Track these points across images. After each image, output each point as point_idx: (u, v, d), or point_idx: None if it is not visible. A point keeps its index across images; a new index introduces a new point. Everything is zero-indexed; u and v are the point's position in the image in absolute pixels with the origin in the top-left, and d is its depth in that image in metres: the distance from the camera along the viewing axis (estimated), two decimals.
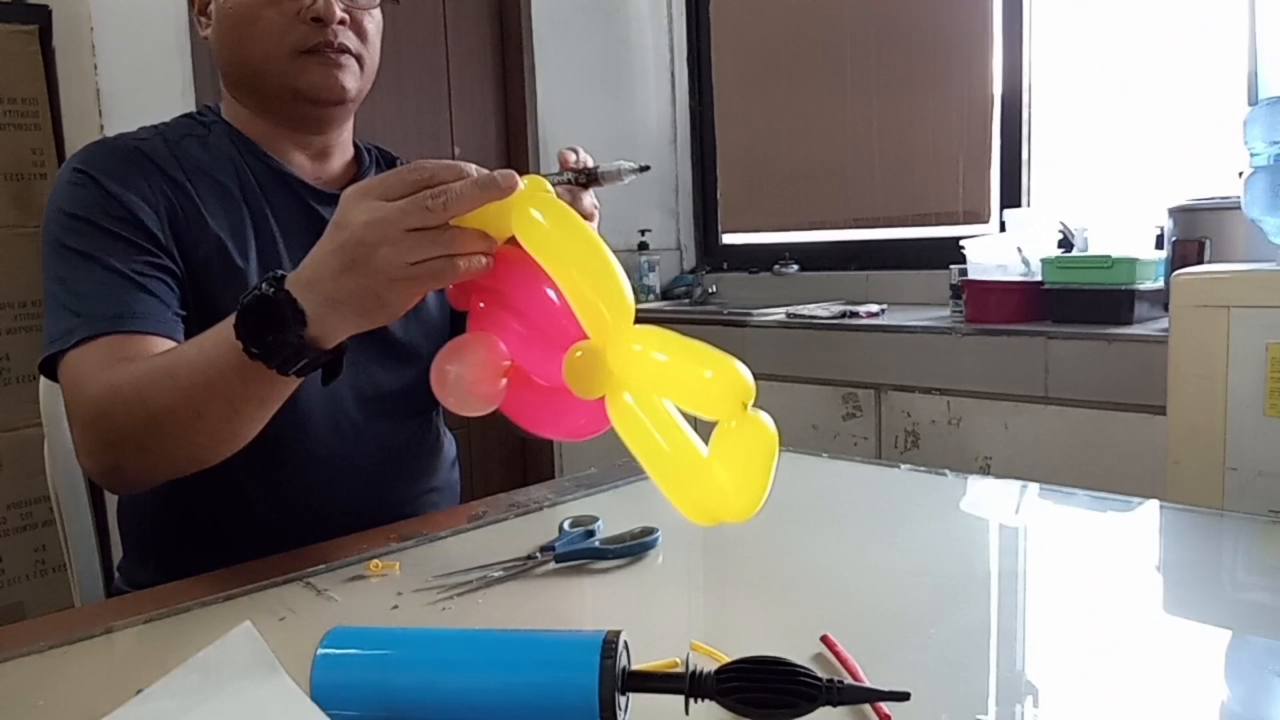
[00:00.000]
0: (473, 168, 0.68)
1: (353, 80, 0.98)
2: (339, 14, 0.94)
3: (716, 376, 0.63)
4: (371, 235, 0.66)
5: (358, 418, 1.00)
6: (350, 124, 1.06)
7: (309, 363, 0.71)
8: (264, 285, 0.70)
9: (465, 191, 0.66)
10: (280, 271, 0.72)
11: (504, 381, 0.74)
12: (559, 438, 0.85)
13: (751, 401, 0.63)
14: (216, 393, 0.75)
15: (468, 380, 0.72)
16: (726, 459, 0.64)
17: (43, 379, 1.05)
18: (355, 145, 1.10)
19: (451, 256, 0.67)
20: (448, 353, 0.73)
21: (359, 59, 0.98)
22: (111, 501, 1.09)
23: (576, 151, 0.84)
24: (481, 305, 0.76)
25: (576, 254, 0.67)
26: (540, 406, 0.76)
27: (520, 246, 0.69)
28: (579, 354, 0.67)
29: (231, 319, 0.71)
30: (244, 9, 0.94)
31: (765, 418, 0.64)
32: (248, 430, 0.79)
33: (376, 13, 1.01)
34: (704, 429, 0.65)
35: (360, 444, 1.00)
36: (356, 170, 1.08)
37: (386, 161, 1.13)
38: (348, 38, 0.96)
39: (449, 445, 1.14)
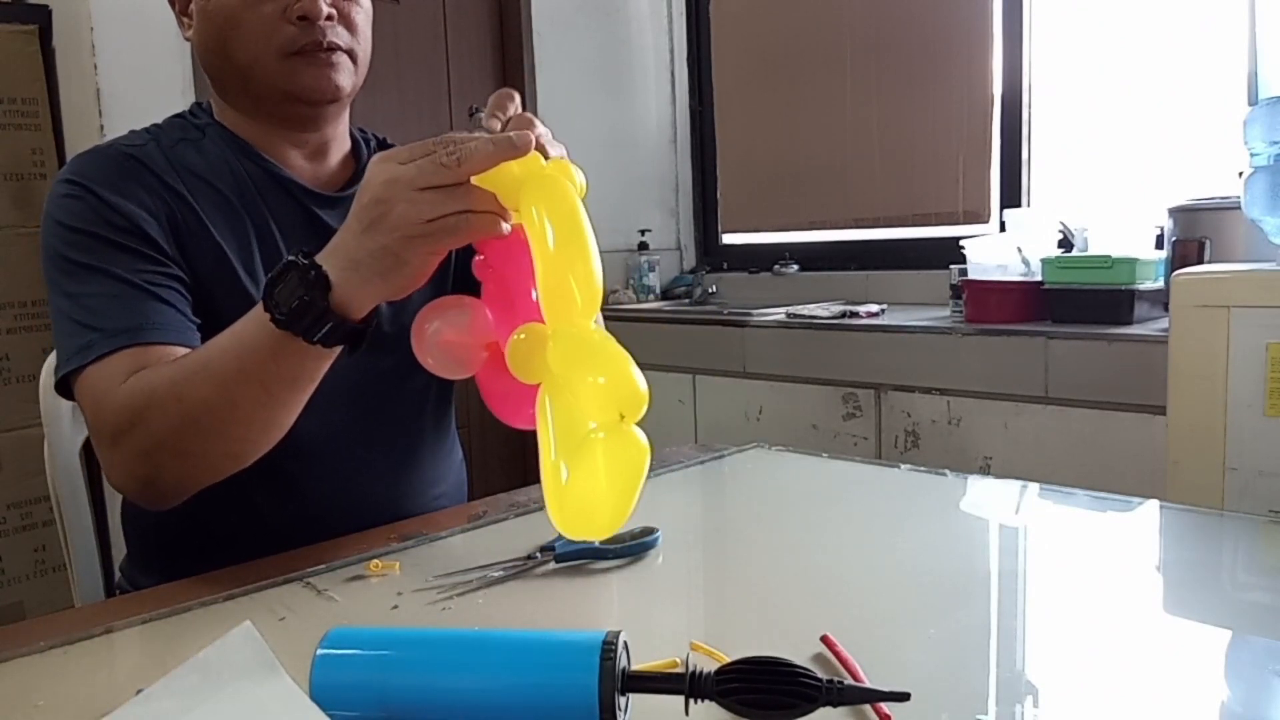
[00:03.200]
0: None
1: (346, 77, 0.95)
2: (325, 9, 0.91)
3: (606, 383, 0.64)
4: (388, 193, 0.69)
5: (370, 423, 0.99)
6: (346, 116, 1.04)
7: (334, 328, 0.72)
8: (294, 256, 0.72)
9: (480, 148, 0.68)
10: (309, 248, 0.74)
11: (484, 353, 0.75)
12: (517, 425, 0.86)
13: (636, 417, 0.64)
14: (250, 376, 0.75)
15: (444, 338, 0.73)
16: (585, 469, 0.64)
17: (43, 381, 1.04)
18: (352, 136, 1.07)
19: (466, 213, 0.69)
20: (430, 310, 0.74)
21: (350, 54, 0.95)
22: (113, 502, 1.08)
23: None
24: (491, 287, 0.77)
25: (559, 238, 0.67)
26: (506, 390, 0.77)
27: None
28: (522, 336, 0.70)
29: (263, 291, 0.73)
30: (225, 11, 0.91)
31: (639, 435, 0.64)
32: (282, 418, 0.80)
33: (365, 1, 0.98)
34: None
35: (374, 450, 1.00)
36: (355, 166, 1.05)
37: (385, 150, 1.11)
38: (337, 34, 0.93)
39: (457, 448, 1.14)
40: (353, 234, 0.71)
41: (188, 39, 0.98)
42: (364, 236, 0.70)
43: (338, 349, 0.75)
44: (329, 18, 0.92)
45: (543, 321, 0.69)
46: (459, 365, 0.76)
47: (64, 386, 0.86)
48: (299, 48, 0.92)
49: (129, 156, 0.92)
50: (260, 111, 0.97)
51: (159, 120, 1.01)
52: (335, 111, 1.00)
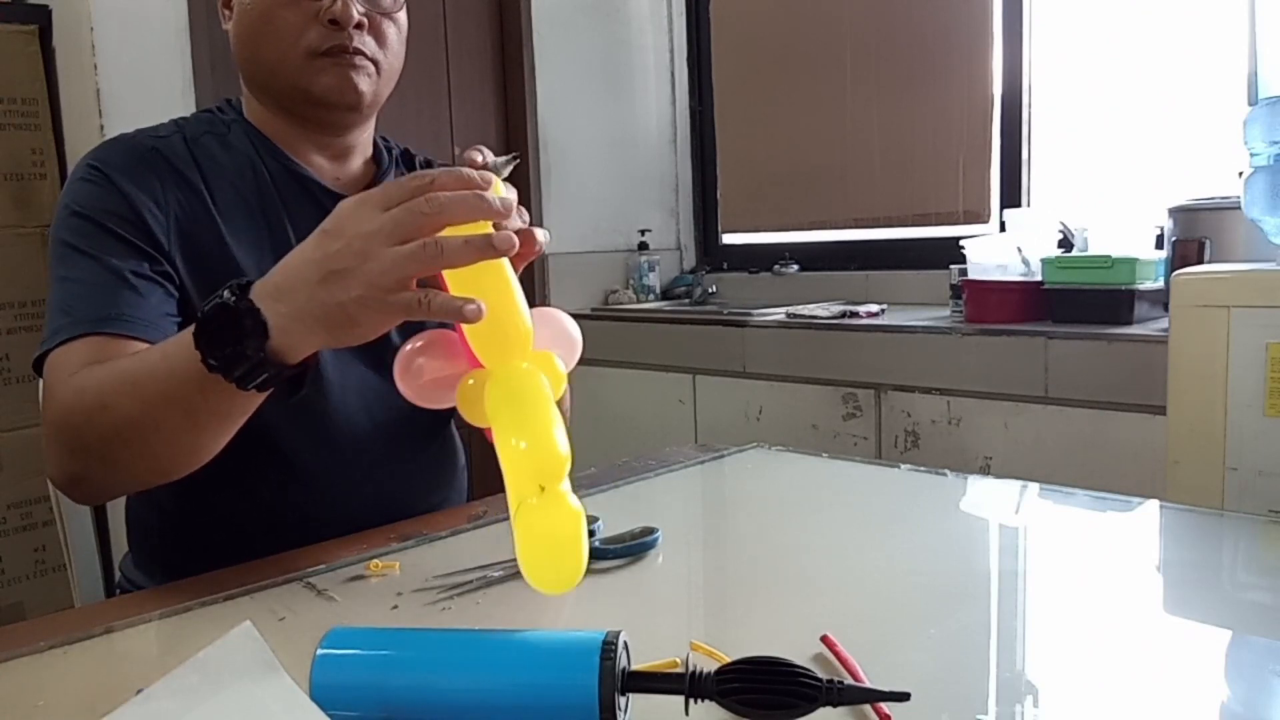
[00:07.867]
0: (474, 174, 0.66)
1: (368, 84, 0.95)
2: (357, 17, 0.92)
3: (527, 449, 0.63)
4: (359, 246, 0.63)
5: (380, 433, 0.99)
6: (371, 124, 1.05)
7: (270, 377, 0.68)
8: (226, 293, 0.67)
9: (462, 249, 0.63)
10: (246, 279, 0.69)
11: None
12: None
13: (558, 483, 0.63)
14: (176, 405, 0.72)
15: (428, 372, 0.73)
16: (521, 536, 0.64)
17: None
18: (376, 144, 1.08)
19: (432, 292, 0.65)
20: (417, 346, 0.73)
21: (376, 63, 0.96)
22: (113, 501, 1.08)
23: (481, 153, 0.73)
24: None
25: (485, 286, 0.66)
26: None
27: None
28: (470, 382, 0.69)
29: (194, 327, 0.68)
30: (262, 7, 0.93)
31: (570, 499, 0.63)
32: (209, 444, 0.76)
33: (401, 16, 0.99)
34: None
35: (382, 458, 1.00)
36: (376, 170, 1.06)
37: (406, 161, 1.11)
38: (364, 42, 0.94)
39: (460, 452, 1.14)
40: (307, 282, 0.65)
41: (226, 30, 0.99)
42: (319, 289, 0.64)
43: (270, 391, 0.70)
44: (359, 25, 0.93)
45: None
46: (444, 397, 0.75)
47: (41, 368, 0.85)
48: (325, 49, 0.92)
49: (152, 149, 0.93)
50: (284, 109, 0.98)
51: (158, 120, 1.01)
52: (356, 119, 1.00)
